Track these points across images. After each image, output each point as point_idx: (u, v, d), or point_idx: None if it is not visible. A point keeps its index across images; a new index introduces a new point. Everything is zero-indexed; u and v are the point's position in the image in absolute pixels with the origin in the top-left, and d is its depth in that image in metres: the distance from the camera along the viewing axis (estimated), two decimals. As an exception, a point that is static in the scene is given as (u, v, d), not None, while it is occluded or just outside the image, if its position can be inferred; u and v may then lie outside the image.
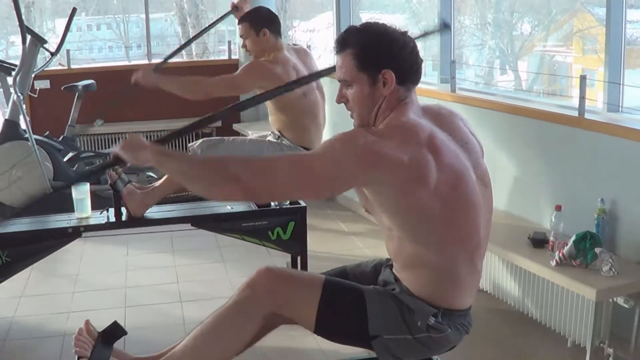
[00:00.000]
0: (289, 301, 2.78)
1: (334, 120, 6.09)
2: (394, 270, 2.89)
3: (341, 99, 2.78)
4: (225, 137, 5.49)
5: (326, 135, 5.51)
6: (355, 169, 2.53)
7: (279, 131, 5.39)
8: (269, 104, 5.37)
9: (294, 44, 5.89)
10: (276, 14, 5.62)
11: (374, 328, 2.74)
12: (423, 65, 2.78)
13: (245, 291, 2.79)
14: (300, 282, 2.83)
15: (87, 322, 3.02)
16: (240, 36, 5.35)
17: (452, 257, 2.71)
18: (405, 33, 2.73)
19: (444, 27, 4.53)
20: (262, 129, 6.57)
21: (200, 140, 5.16)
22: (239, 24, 5.40)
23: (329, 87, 5.71)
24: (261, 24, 5.28)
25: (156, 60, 9.34)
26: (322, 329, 2.80)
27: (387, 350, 2.75)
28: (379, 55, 2.67)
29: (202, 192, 2.73)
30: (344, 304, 2.79)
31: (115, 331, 3.04)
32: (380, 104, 2.70)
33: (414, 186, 2.54)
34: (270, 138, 5.44)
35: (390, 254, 2.89)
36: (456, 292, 2.78)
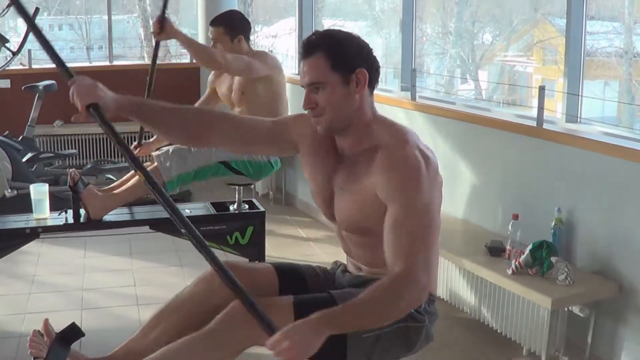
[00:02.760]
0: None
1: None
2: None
3: (310, 104, 2.70)
4: None
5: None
6: (439, 200, 2.71)
7: None
8: (242, 95, 5.31)
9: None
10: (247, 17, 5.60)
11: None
12: (384, 72, 2.80)
13: (221, 324, 2.68)
14: (273, 308, 2.67)
15: (46, 322, 2.98)
16: (212, 39, 5.29)
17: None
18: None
19: None
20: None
21: (172, 149, 4.90)
22: (211, 25, 5.33)
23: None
24: (237, 31, 5.23)
25: (118, 63, 9.33)
26: None
27: (362, 352, 2.71)
28: (353, 54, 2.67)
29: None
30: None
31: (73, 333, 3.02)
32: (357, 106, 2.70)
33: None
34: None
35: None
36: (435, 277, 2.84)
